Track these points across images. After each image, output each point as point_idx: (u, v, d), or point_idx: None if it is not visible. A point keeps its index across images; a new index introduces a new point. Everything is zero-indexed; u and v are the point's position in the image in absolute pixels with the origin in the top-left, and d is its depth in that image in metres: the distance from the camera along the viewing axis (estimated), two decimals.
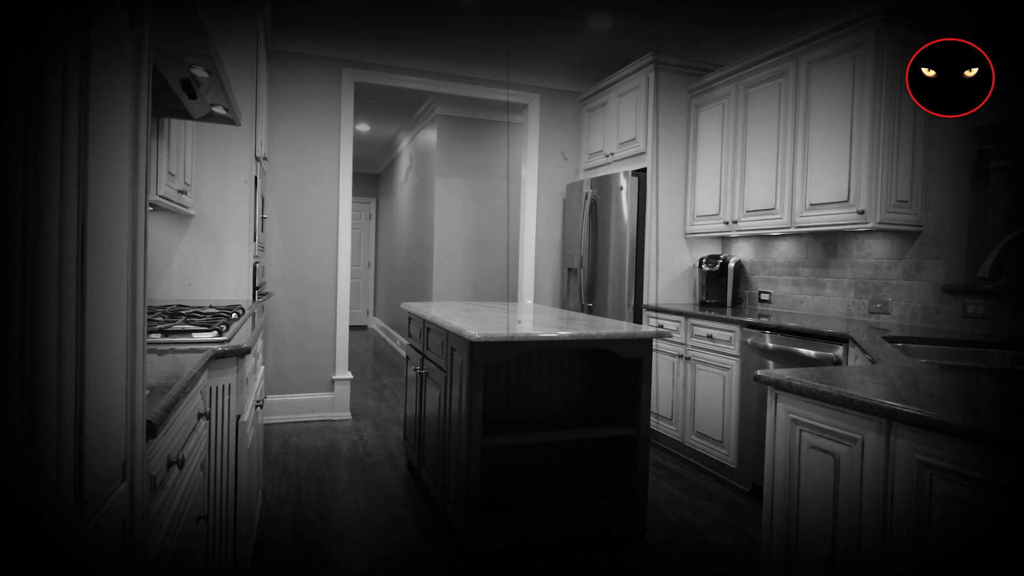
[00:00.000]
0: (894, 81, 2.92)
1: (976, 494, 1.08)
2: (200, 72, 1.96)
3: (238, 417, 1.83)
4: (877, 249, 3.25)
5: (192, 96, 2.22)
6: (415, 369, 3.24)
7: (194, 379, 1.35)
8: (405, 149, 7.87)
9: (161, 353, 1.65)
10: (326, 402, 4.52)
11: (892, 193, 2.95)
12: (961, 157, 2.94)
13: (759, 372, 1.58)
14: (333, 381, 4.54)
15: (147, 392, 1.14)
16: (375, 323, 10.03)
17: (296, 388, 4.47)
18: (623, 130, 4.42)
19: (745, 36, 4.05)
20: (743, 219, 3.73)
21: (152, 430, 0.98)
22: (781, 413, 1.52)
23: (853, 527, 1.32)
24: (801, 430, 1.46)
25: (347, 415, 4.56)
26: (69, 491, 0.66)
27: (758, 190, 3.61)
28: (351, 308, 9.94)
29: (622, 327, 2.65)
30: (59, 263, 0.63)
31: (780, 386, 1.49)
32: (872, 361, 1.91)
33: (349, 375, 4.59)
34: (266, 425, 4.28)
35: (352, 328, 9.75)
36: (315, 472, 3.42)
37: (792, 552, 1.48)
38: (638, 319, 4.16)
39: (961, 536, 1.10)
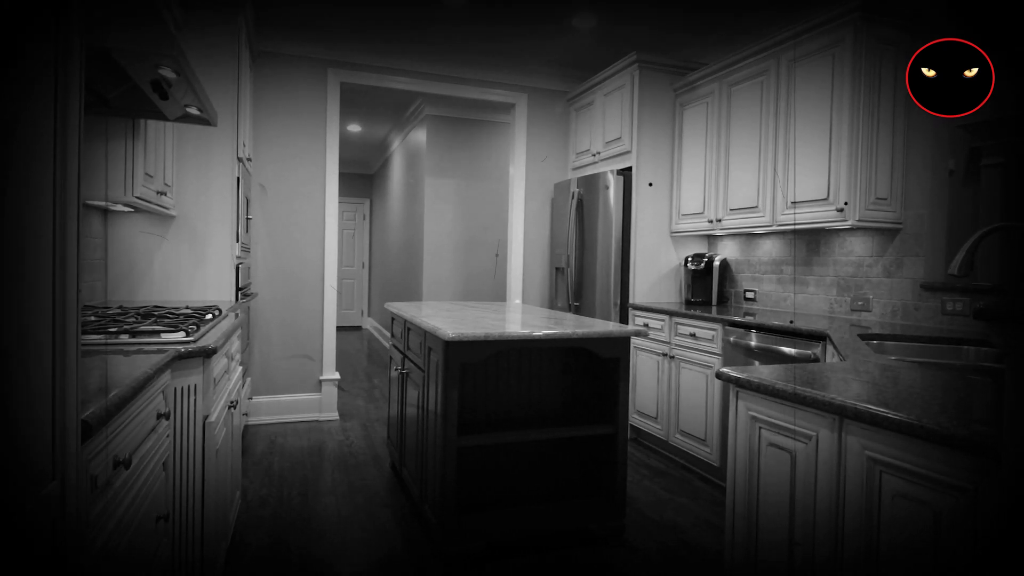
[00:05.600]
0: (873, 78, 2.91)
1: (922, 491, 1.08)
2: (168, 73, 1.96)
3: (205, 418, 1.82)
4: (858, 247, 3.24)
5: (164, 97, 2.22)
6: (396, 369, 3.24)
7: (148, 379, 1.35)
8: (397, 149, 7.87)
9: (127, 354, 1.65)
10: (313, 403, 4.52)
11: (871, 190, 2.94)
12: (941, 154, 2.93)
13: (721, 369, 1.57)
14: (320, 382, 4.53)
15: (113, 393, 1.14)
16: (369, 324, 10.03)
17: (283, 389, 4.46)
18: (609, 129, 4.42)
19: (728, 36, 4.05)
20: (727, 217, 3.73)
21: (88, 430, 0.98)
22: (742, 411, 1.52)
23: (808, 525, 1.32)
24: (760, 427, 1.46)
25: (335, 415, 4.55)
26: None
27: (741, 188, 3.61)
28: (345, 309, 9.98)
29: (600, 326, 2.65)
30: None
31: (740, 384, 1.49)
32: (842, 359, 1.90)
33: (336, 375, 4.58)
34: (253, 426, 4.28)
35: (346, 329, 9.80)
36: (299, 473, 3.42)
37: (752, 550, 1.48)
38: (624, 318, 4.16)
39: (908, 533, 1.10)
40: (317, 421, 4.48)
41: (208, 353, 1.79)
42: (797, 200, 3.19)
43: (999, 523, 0.94)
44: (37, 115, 0.79)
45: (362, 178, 10.24)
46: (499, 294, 6.26)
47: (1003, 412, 0.91)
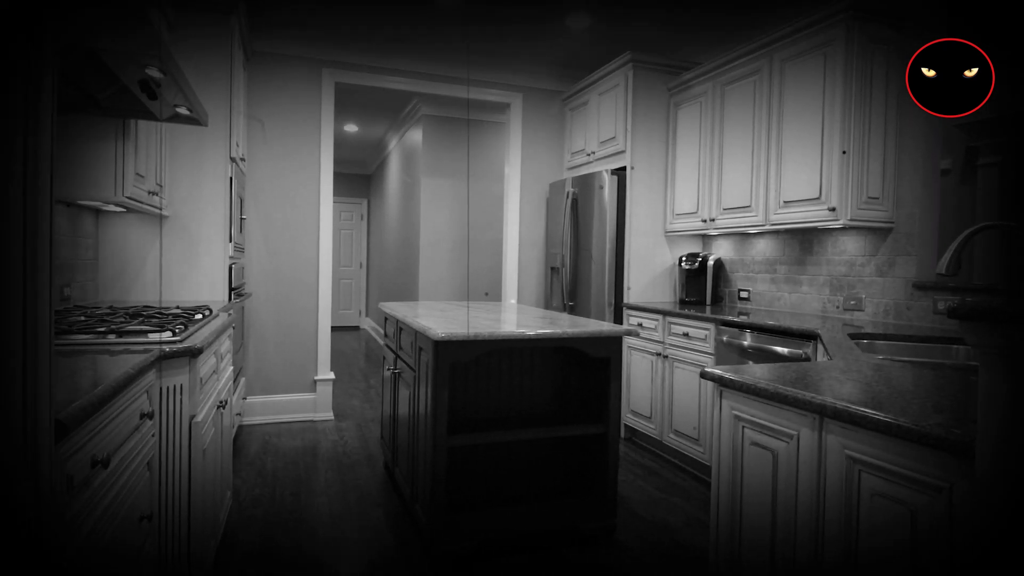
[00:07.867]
0: (864, 78, 2.91)
1: (899, 490, 1.07)
2: (155, 73, 1.96)
3: (191, 417, 1.82)
4: (851, 246, 3.24)
5: (153, 97, 2.22)
6: (389, 369, 3.24)
7: (130, 379, 1.35)
8: (394, 149, 7.87)
9: (113, 354, 1.65)
10: (308, 403, 4.52)
11: (863, 190, 2.94)
12: (933, 153, 2.93)
13: (706, 368, 1.57)
14: (315, 382, 4.53)
15: (91, 393, 1.14)
16: (367, 324, 10.03)
17: (278, 389, 4.46)
18: (603, 129, 4.42)
19: (722, 36, 4.05)
20: (720, 217, 3.73)
21: (63, 429, 0.97)
22: (726, 410, 1.52)
23: (790, 524, 1.31)
24: (744, 427, 1.46)
25: (329, 415, 4.55)
26: None
27: (734, 188, 3.61)
28: (343, 309, 9.98)
29: (592, 325, 2.65)
30: None
31: (723, 383, 1.49)
32: (831, 358, 1.90)
33: (331, 375, 4.59)
34: (247, 426, 4.28)
35: (344, 329, 9.80)
36: (292, 473, 3.42)
37: (736, 548, 1.48)
38: (619, 318, 4.16)
39: (886, 532, 1.10)
40: (312, 421, 4.48)
41: (194, 353, 1.79)
42: (789, 199, 3.19)
43: (973, 521, 0.94)
44: (6, 111, 0.79)
45: (360, 178, 10.24)
46: (495, 294, 6.26)
47: (977, 410, 0.90)
